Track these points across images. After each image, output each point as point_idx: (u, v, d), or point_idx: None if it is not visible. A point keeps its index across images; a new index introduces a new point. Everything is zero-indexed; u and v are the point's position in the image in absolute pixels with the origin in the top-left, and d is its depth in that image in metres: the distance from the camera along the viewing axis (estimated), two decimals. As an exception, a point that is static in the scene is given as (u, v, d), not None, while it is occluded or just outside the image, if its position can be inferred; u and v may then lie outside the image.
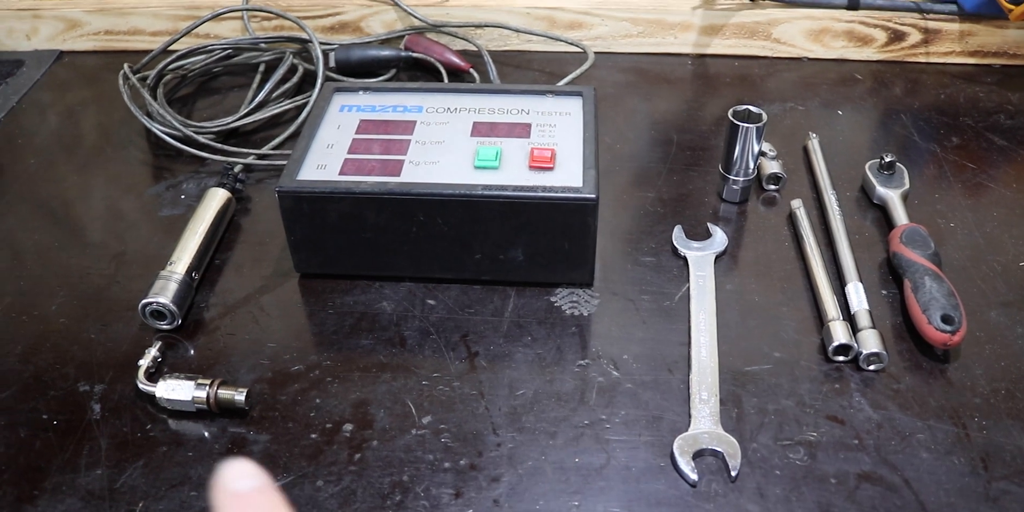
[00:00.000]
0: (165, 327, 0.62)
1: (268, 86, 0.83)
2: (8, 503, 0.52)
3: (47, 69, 0.95)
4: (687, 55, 0.96)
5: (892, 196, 0.72)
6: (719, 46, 0.95)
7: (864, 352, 0.59)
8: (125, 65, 0.86)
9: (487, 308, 0.64)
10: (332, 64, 0.90)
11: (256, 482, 0.26)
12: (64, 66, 0.96)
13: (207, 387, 0.56)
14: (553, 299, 0.65)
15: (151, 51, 0.88)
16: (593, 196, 0.60)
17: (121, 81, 0.84)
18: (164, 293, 0.62)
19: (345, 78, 0.90)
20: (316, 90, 0.80)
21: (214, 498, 0.25)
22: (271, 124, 0.84)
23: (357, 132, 0.67)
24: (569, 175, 0.62)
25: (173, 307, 0.61)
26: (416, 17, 0.93)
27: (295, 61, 0.89)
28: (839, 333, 0.60)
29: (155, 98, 0.84)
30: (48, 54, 0.97)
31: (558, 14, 0.94)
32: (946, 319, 0.59)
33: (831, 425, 0.55)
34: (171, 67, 0.88)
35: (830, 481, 0.52)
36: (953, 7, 0.90)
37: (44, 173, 0.80)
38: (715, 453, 0.54)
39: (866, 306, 0.62)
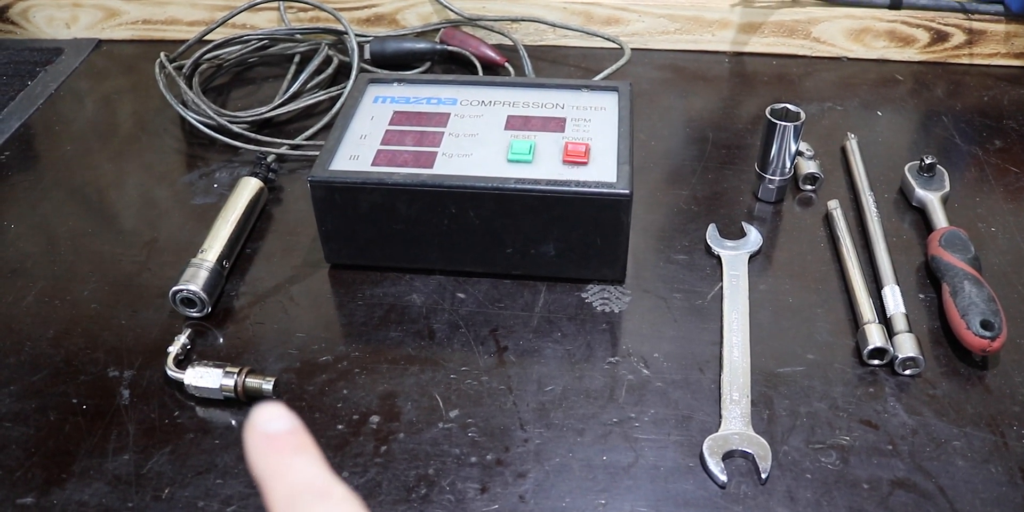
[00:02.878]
0: (195, 315, 0.63)
1: (303, 77, 0.83)
2: (37, 485, 0.52)
3: (85, 57, 0.96)
4: (724, 53, 0.95)
5: (931, 198, 0.71)
6: (757, 44, 0.94)
7: (900, 356, 0.58)
8: (161, 54, 0.86)
9: (517, 303, 0.63)
10: (367, 56, 0.90)
11: (287, 424, 0.26)
12: (102, 55, 0.97)
13: (235, 375, 0.56)
14: (584, 295, 0.64)
15: (188, 41, 0.88)
16: (627, 192, 0.59)
17: (157, 70, 0.85)
18: (195, 281, 0.62)
19: (379, 70, 0.89)
20: (351, 81, 0.79)
21: (247, 438, 0.26)
22: (305, 115, 0.84)
23: (391, 123, 0.66)
24: (603, 170, 0.61)
25: (203, 295, 0.61)
26: (452, 10, 0.92)
27: (330, 53, 0.89)
28: (875, 336, 0.58)
29: (190, 87, 0.84)
30: (87, 43, 0.98)
31: (595, 9, 0.93)
32: (985, 325, 0.58)
33: (864, 429, 0.54)
34: (207, 57, 0.88)
35: (862, 486, 0.51)
36: (999, 7, 0.89)
37: (80, 160, 0.80)
38: (745, 455, 0.53)
39: (903, 309, 0.61)
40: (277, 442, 0.25)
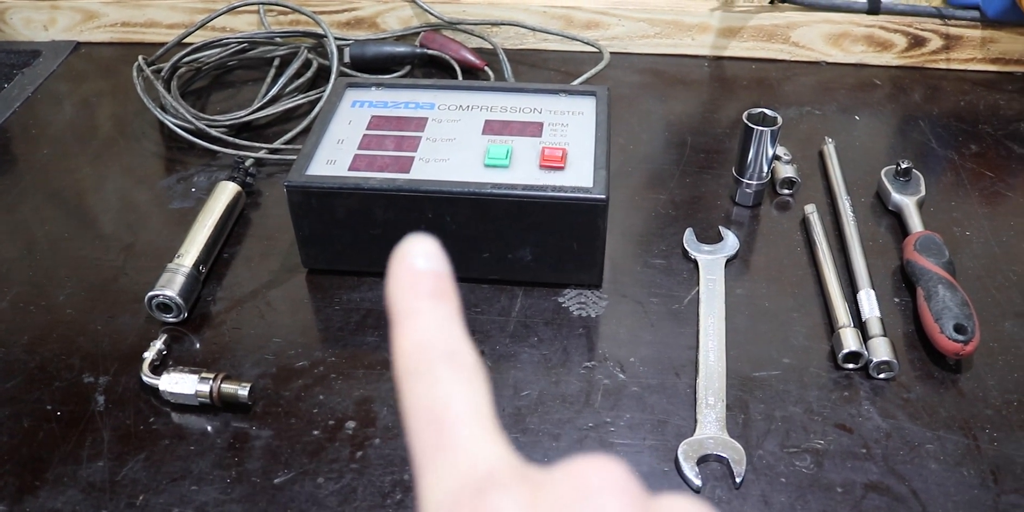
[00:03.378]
0: (171, 320, 0.62)
1: (282, 81, 0.83)
2: (9, 494, 0.52)
3: (63, 60, 0.95)
4: (704, 57, 0.95)
5: (907, 203, 0.71)
6: (736, 49, 0.94)
7: (874, 360, 0.58)
8: (139, 57, 0.86)
9: (494, 307, 0.63)
10: (347, 60, 0.90)
11: (437, 265, 0.24)
12: (80, 57, 0.96)
13: (210, 381, 0.55)
14: (561, 300, 0.64)
15: (167, 43, 0.88)
16: (603, 197, 0.59)
17: (135, 73, 0.84)
18: (171, 286, 0.61)
19: (359, 74, 0.89)
20: (329, 85, 0.79)
21: (391, 268, 0.24)
22: (284, 119, 0.84)
23: (368, 128, 0.66)
24: (580, 175, 0.61)
25: (179, 300, 0.61)
26: (432, 14, 0.92)
27: (310, 56, 0.89)
28: (849, 340, 0.59)
29: (169, 91, 0.84)
30: (65, 45, 0.98)
31: (575, 13, 0.93)
32: (959, 328, 0.58)
33: (839, 433, 0.55)
34: (186, 60, 0.88)
35: (836, 490, 0.51)
36: (976, 13, 0.89)
37: (57, 163, 0.80)
38: (720, 459, 0.53)
39: (878, 314, 0.61)
40: (421, 280, 0.24)
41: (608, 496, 0.21)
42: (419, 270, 0.24)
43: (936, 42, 0.91)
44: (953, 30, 0.91)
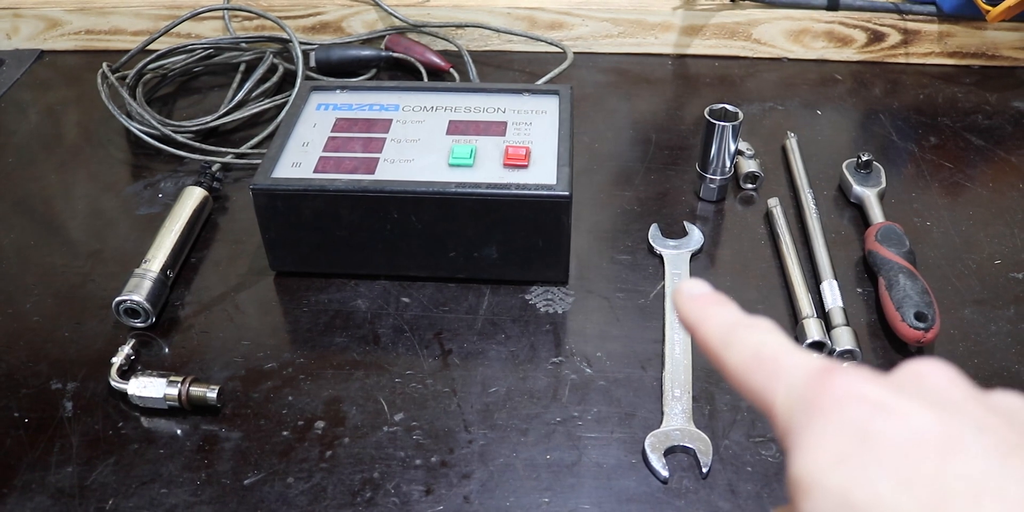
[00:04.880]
0: (139, 325, 0.62)
1: (248, 85, 0.83)
2: (-23, 501, 0.51)
3: (27, 68, 0.95)
4: (667, 55, 0.96)
5: (869, 195, 0.72)
6: (699, 46, 0.95)
7: (837, 349, 0.59)
8: (104, 64, 0.86)
9: (461, 306, 0.64)
10: (312, 64, 0.90)
11: (708, 289, 0.30)
12: (45, 65, 0.96)
13: (179, 384, 0.55)
14: (528, 297, 0.65)
15: (131, 50, 0.87)
16: (566, 193, 0.60)
17: (100, 80, 0.84)
18: (138, 291, 0.61)
19: (326, 78, 0.90)
20: (295, 89, 0.79)
21: (675, 302, 0.30)
22: (251, 123, 0.84)
23: (333, 130, 0.67)
24: (543, 173, 0.62)
25: (147, 305, 0.61)
26: (397, 17, 0.93)
27: (275, 61, 0.89)
28: (812, 330, 0.60)
29: (134, 97, 0.83)
30: (29, 53, 0.97)
31: (538, 14, 0.94)
32: (919, 316, 0.59)
33: (803, 422, 0.55)
34: (151, 67, 0.88)
35: (801, 477, 0.52)
36: (932, 8, 0.91)
37: (22, 172, 0.79)
38: (687, 450, 0.54)
39: (840, 304, 0.62)
40: (701, 299, 0.30)
41: (942, 380, 0.25)
42: (698, 294, 0.30)
43: (895, 37, 0.93)
44: (911, 25, 0.92)
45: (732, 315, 0.29)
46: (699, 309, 0.29)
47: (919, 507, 0.21)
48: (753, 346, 0.27)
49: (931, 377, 0.25)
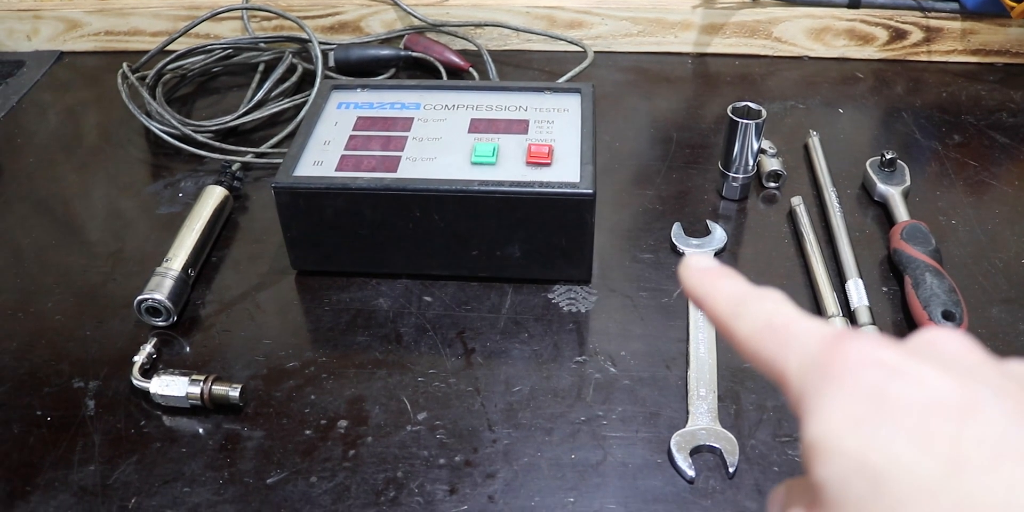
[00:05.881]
0: (161, 324, 0.62)
1: (267, 85, 0.83)
2: (1, 499, 0.51)
3: (47, 69, 0.95)
4: (687, 54, 0.95)
5: (893, 193, 0.72)
6: (719, 45, 0.95)
7: (864, 348, 0.58)
8: (124, 64, 0.86)
9: (484, 305, 0.63)
10: (331, 64, 0.90)
11: (715, 263, 0.30)
12: (64, 66, 0.96)
13: (201, 383, 0.55)
14: (550, 296, 0.64)
15: (151, 51, 0.88)
16: (590, 191, 0.59)
17: (120, 80, 0.84)
18: (159, 290, 0.61)
19: (344, 78, 0.89)
20: (315, 87, 0.79)
21: (682, 276, 0.30)
22: (270, 123, 0.84)
23: (354, 129, 0.66)
24: (566, 171, 0.61)
25: (168, 304, 0.61)
26: (416, 16, 0.92)
27: (294, 61, 0.89)
28: (839, 329, 0.59)
29: (154, 97, 0.83)
30: (48, 55, 0.97)
31: (558, 13, 0.93)
32: (947, 315, 0.58)
33: (830, 422, 0.55)
34: (170, 67, 0.88)
35: (829, 478, 0.51)
36: (955, 5, 0.90)
37: (43, 172, 0.80)
38: (713, 449, 0.53)
39: (866, 302, 0.61)
40: (708, 272, 0.29)
41: (958, 346, 0.25)
42: (705, 268, 0.29)
43: (917, 35, 0.92)
44: (933, 22, 0.91)
45: (741, 287, 0.28)
46: (708, 282, 0.29)
47: (937, 468, 0.21)
48: (764, 316, 0.27)
49: (946, 344, 0.25)
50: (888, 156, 0.73)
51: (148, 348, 0.59)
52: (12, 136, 0.85)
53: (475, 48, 0.93)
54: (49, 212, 0.75)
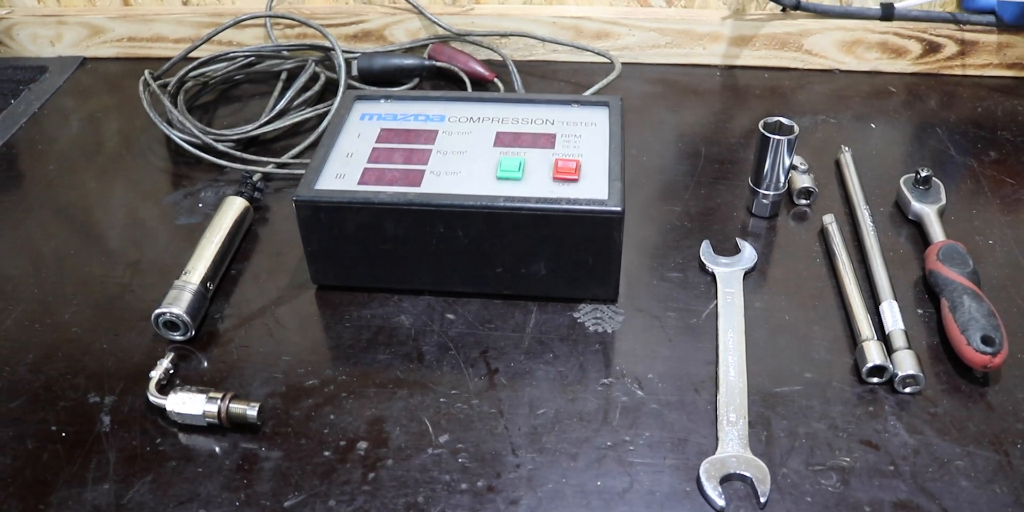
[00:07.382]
0: (178, 338, 0.61)
1: (289, 94, 0.82)
2: (13, 517, 0.50)
3: (70, 75, 0.94)
4: (716, 66, 0.94)
5: (928, 212, 0.70)
6: (749, 57, 0.93)
7: (900, 374, 0.56)
8: (146, 71, 0.85)
9: (508, 323, 0.62)
10: (355, 72, 0.89)
11: None
12: (87, 72, 0.96)
13: (218, 401, 0.54)
14: (576, 315, 0.63)
15: (173, 58, 0.87)
16: (619, 209, 0.58)
17: (141, 88, 0.83)
18: (178, 303, 0.60)
19: (367, 87, 0.88)
20: (337, 98, 0.78)
21: None
22: (292, 133, 0.83)
23: (377, 141, 0.65)
24: (594, 187, 0.60)
25: (187, 318, 0.60)
26: (440, 26, 0.91)
27: (317, 69, 0.88)
28: (873, 354, 0.57)
29: (175, 105, 0.83)
30: (71, 60, 0.97)
31: (585, 24, 0.92)
32: (986, 340, 0.57)
33: (865, 450, 0.53)
34: (192, 74, 0.87)
35: (864, 509, 0.50)
36: (991, 18, 0.88)
37: (63, 179, 0.79)
38: (743, 478, 0.51)
39: (901, 326, 0.60)
40: None
41: None
42: None
43: (951, 48, 0.90)
44: (968, 35, 0.89)
45: None
46: None
47: None
48: None
49: None
50: (923, 173, 0.71)
51: (165, 363, 0.58)
52: (34, 142, 0.84)
53: (500, 58, 0.91)
54: (69, 220, 0.74)
